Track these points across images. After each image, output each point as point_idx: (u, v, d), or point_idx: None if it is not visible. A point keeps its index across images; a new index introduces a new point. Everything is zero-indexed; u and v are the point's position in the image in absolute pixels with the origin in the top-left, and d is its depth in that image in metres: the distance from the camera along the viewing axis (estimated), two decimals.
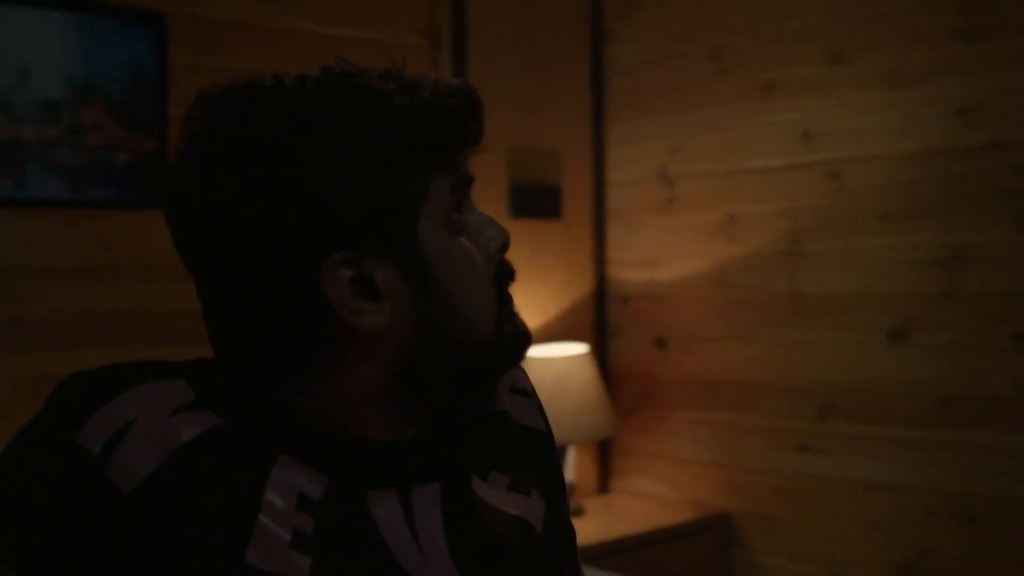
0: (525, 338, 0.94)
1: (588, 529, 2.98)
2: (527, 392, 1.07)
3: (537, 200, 3.36)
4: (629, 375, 3.53)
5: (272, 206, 0.82)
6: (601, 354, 3.55)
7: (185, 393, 0.84)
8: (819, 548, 3.02)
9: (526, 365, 1.02)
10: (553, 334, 3.39)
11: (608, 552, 2.89)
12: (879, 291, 2.91)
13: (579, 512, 3.17)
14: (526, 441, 1.02)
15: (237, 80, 0.89)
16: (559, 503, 1.04)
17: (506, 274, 0.93)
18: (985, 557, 2.69)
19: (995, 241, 2.68)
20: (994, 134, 2.69)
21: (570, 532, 1.04)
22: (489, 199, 3.14)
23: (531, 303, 3.32)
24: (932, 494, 2.79)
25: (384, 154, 0.84)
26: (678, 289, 3.39)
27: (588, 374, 3.16)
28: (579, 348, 3.23)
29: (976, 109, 2.72)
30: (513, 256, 0.97)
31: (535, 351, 3.14)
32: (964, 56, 2.74)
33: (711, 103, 3.31)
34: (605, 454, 3.58)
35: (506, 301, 0.93)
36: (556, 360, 3.12)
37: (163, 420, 0.81)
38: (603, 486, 3.57)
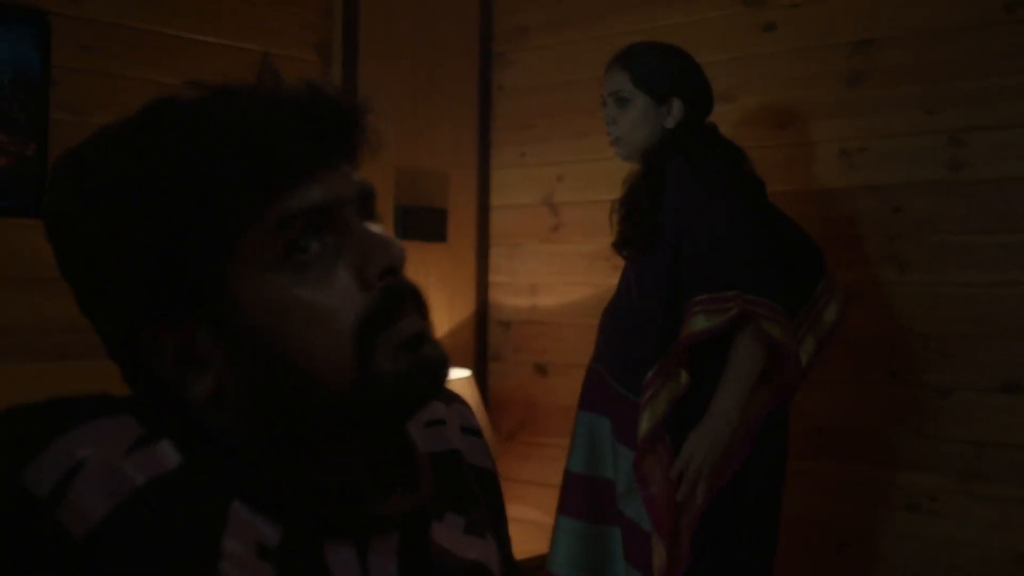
0: (411, 378, 0.81)
1: None
2: (477, 432, 1.04)
3: (424, 222, 3.33)
4: (509, 400, 3.52)
5: (85, 277, 0.81)
6: (481, 379, 3.53)
7: (136, 431, 0.79)
8: None
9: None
10: None
11: None
12: None
13: None
14: (477, 482, 1.00)
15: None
16: (507, 545, 1.03)
17: (390, 303, 0.80)
18: None
19: (875, 281, 2.77)
20: (874, 176, 2.78)
21: (518, 574, 1.03)
22: None
23: None
24: (810, 525, 2.86)
25: (168, 209, 0.76)
26: (560, 316, 3.40)
27: (469, 399, 3.14)
28: (460, 373, 3.21)
29: (858, 152, 2.81)
30: None
31: None
32: (848, 99, 2.83)
33: (599, 132, 3.32)
34: None
35: (377, 338, 0.80)
36: None
37: (116, 461, 0.76)
38: None
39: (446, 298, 3.46)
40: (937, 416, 2.69)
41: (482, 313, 3.58)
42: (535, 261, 3.50)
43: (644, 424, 2.31)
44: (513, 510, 3.39)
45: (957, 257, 2.67)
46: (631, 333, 2.45)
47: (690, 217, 2.38)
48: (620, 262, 3.23)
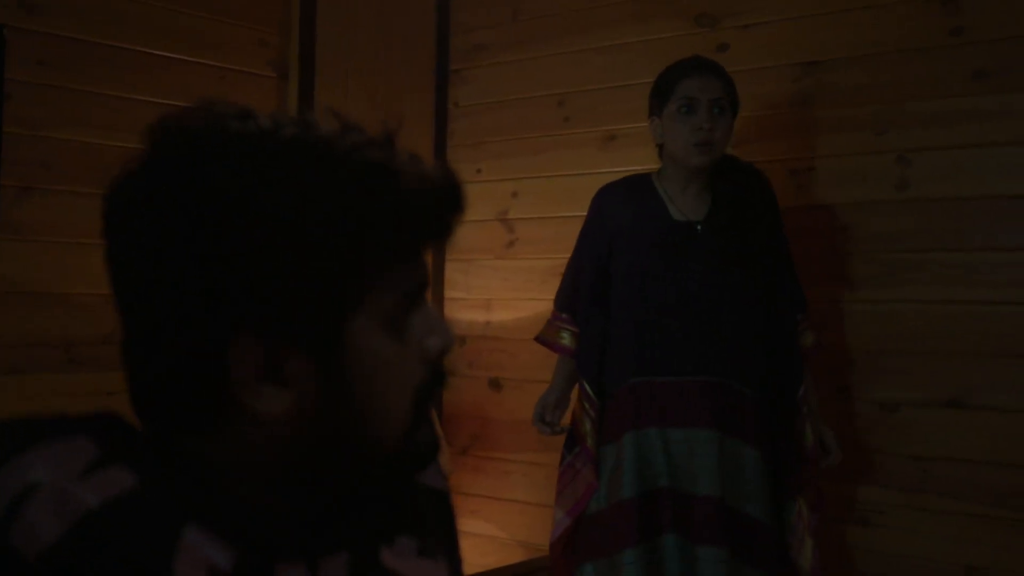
0: (433, 448, 0.90)
1: None
2: None
3: None
4: (463, 415, 3.53)
5: (194, 266, 0.77)
6: None
7: (90, 453, 0.79)
8: None
9: None
10: None
11: None
12: None
13: None
14: (430, 502, 1.01)
15: (216, 114, 0.81)
16: (459, 566, 1.03)
17: (437, 381, 0.88)
18: None
19: (823, 298, 2.81)
20: (823, 195, 2.83)
21: None
22: None
23: None
24: None
25: (324, 249, 0.77)
26: (515, 332, 3.42)
27: None
28: None
29: (806, 171, 2.85)
30: None
31: None
32: (797, 119, 2.88)
33: (554, 149, 3.37)
34: None
35: (424, 409, 0.87)
36: None
37: (69, 484, 0.76)
38: None
39: None
40: (885, 431, 2.74)
41: None
42: (490, 277, 3.51)
43: (810, 435, 2.55)
44: (466, 524, 3.41)
45: (904, 275, 2.72)
46: (756, 344, 2.55)
47: (783, 237, 2.63)
48: None
